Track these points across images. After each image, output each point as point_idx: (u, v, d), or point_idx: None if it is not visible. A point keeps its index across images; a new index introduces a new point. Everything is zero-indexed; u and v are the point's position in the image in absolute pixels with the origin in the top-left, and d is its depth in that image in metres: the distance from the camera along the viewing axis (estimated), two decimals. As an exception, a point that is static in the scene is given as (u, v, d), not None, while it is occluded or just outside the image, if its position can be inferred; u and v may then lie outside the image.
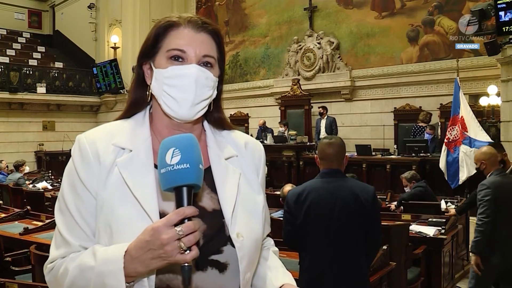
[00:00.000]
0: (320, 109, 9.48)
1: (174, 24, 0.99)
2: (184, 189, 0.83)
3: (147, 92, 1.03)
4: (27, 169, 8.08)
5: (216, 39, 1.02)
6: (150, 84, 1.01)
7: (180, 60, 0.97)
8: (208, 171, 1.00)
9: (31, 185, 7.82)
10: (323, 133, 9.18)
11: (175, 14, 1.02)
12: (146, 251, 0.82)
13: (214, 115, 1.08)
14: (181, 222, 0.80)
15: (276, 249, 1.17)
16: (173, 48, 0.97)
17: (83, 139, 0.98)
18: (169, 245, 0.80)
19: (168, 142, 0.86)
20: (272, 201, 4.61)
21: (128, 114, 1.05)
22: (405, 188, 5.49)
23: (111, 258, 0.86)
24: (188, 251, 0.80)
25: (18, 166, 7.92)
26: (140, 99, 1.05)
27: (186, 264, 0.80)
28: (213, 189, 1.00)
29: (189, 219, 0.81)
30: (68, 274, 0.91)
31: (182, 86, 0.95)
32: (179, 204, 0.83)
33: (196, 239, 0.81)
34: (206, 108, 1.00)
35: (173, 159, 0.83)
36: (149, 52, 1.01)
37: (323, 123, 9.40)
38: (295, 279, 1.05)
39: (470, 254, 3.30)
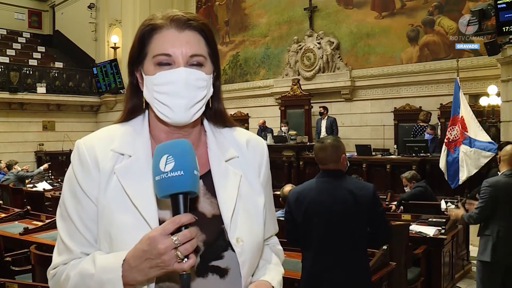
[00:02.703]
0: (321, 109, 9.47)
1: (157, 27, 0.95)
2: (180, 196, 0.81)
3: (142, 99, 1.00)
4: (18, 169, 8.29)
5: (203, 34, 0.97)
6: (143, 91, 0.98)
7: (168, 64, 0.93)
8: (208, 174, 0.99)
9: (30, 185, 7.87)
10: (323, 133, 9.17)
11: (159, 14, 0.98)
12: (143, 261, 0.81)
13: (214, 106, 1.04)
14: (178, 230, 0.79)
15: (280, 247, 1.15)
16: (159, 54, 0.93)
17: (81, 145, 0.97)
18: (166, 255, 0.79)
19: (162, 149, 0.84)
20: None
21: (126, 119, 1.04)
22: (405, 188, 5.49)
23: (110, 267, 0.85)
24: (185, 260, 0.79)
25: (11, 166, 8.32)
26: (136, 106, 1.03)
27: (185, 273, 0.80)
28: (213, 193, 0.98)
29: (186, 226, 0.80)
30: (69, 280, 0.91)
31: (172, 92, 0.92)
32: (175, 212, 0.82)
33: (193, 248, 0.80)
34: (203, 109, 0.97)
35: (166, 166, 0.81)
36: (137, 58, 0.98)
37: (323, 123, 9.38)
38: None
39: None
